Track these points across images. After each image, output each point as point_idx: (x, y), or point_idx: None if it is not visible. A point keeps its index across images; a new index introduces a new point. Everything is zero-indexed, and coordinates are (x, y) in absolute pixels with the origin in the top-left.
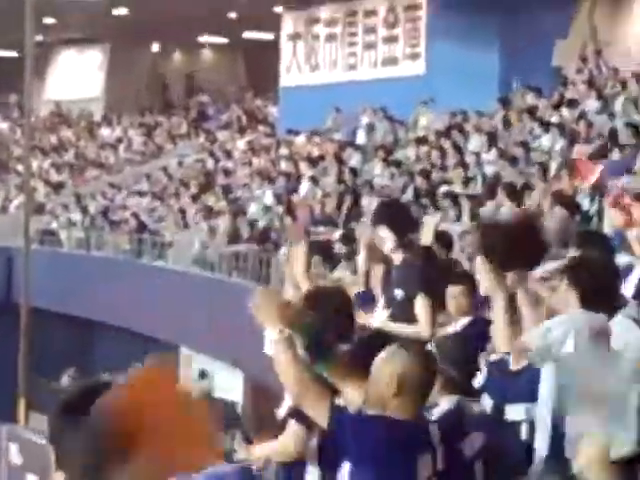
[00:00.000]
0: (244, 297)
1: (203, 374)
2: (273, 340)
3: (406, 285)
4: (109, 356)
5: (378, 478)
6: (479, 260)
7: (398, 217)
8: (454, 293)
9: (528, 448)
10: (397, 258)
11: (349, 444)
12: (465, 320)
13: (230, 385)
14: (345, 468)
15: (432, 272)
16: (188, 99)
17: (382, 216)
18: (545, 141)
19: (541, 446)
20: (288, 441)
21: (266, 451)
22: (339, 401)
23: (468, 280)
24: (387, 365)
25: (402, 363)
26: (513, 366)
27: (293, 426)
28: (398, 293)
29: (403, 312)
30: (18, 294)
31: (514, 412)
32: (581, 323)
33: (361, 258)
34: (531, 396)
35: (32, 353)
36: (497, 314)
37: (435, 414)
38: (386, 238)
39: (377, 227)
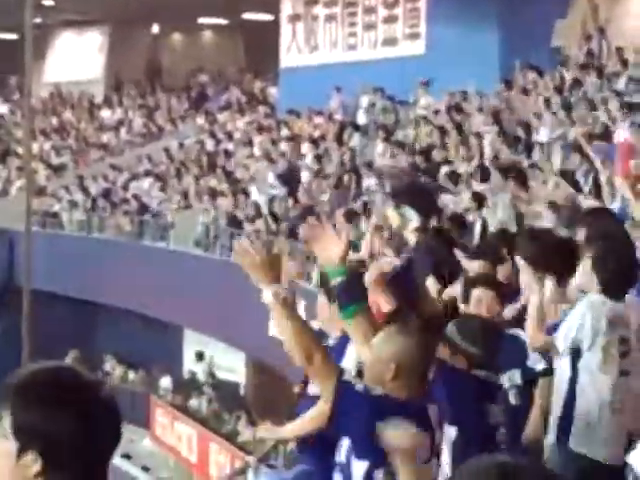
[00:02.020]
0: (246, 278)
1: (200, 355)
2: (268, 303)
3: (417, 268)
4: (112, 338)
5: (375, 456)
6: (519, 262)
7: (424, 200)
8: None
9: (516, 413)
10: (413, 239)
11: (349, 420)
12: None
13: (233, 366)
14: (344, 444)
15: (443, 255)
16: (188, 80)
17: (406, 195)
18: (547, 122)
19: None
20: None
21: (294, 429)
22: (346, 376)
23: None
24: (385, 347)
25: (401, 346)
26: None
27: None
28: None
29: None
30: (20, 277)
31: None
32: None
33: (367, 239)
34: (513, 363)
35: (35, 336)
36: (531, 308)
37: None
38: (411, 219)
39: (401, 206)
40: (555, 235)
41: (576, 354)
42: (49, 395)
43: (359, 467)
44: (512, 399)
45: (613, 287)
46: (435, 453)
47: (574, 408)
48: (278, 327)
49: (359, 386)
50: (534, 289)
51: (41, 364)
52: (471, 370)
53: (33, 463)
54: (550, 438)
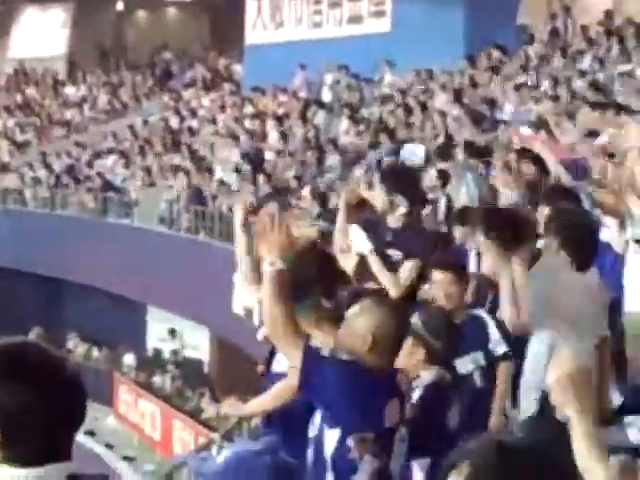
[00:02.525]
0: (211, 255)
1: (173, 332)
2: (264, 270)
3: (407, 248)
4: (75, 315)
5: (347, 422)
6: (484, 241)
7: (414, 187)
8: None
9: (482, 395)
10: (396, 221)
11: (320, 386)
12: None
13: (197, 343)
14: (317, 416)
15: (431, 242)
16: (152, 57)
17: (397, 183)
18: (511, 100)
19: (527, 407)
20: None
21: (260, 403)
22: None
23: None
24: (361, 319)
25: (377, 318)
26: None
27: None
28: (394, 254)
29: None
30: None
31: (463, 364)
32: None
33: (340, 216)
34: (476, 345)
35: None
36: (503, 291)
37: (417, 386)
38: (400, 204)
39: (392, 193)
40: (519, 211)
41: None
42: (12, 370)
43: (332, 436)
44: (477, 381)
45: (583, 261)
46: (404, 419)
47: None
48: (263, 296)
49: (325, 352)
50: (503, 273)
51: (6, 340)
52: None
53: None
54: (527, 411)
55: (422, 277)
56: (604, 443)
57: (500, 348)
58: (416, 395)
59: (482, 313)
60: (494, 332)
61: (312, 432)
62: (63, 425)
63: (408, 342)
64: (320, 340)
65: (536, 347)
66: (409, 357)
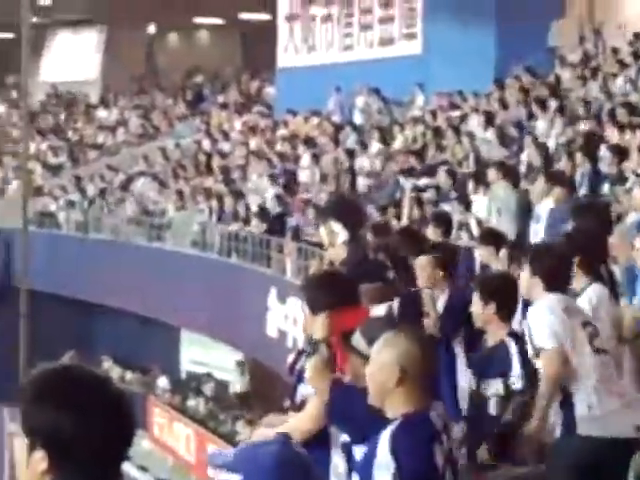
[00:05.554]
0: (243, 278)
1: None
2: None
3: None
4: (109, 338)
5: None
6: (530, 278)
7: (349, 212)
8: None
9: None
10: (343, 253)
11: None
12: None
13: (228, 366)
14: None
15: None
16: (184, 81)
17: (333, 211)
18: (542, 122)
19: None
20: (307, 414)
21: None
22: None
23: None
24: (387, 351)
25: (404, 347)
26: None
27: (315, 399)
28: None
29: None
30: (17, 277)
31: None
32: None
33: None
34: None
35: (32, 336)
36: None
37: None
38: (338, 232)
39: (328, 221)
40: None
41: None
42: (57, 393)
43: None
44: (492, 409)
45: (557, 285)
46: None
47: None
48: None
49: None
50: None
51: (50, 364)
52: None
53: (41, 461)
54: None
55: None
56: None
57: (518, 384)
58: None
59: (511, 343)
60: (516, 365)
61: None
62: (112, 447)
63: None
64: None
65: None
66: None
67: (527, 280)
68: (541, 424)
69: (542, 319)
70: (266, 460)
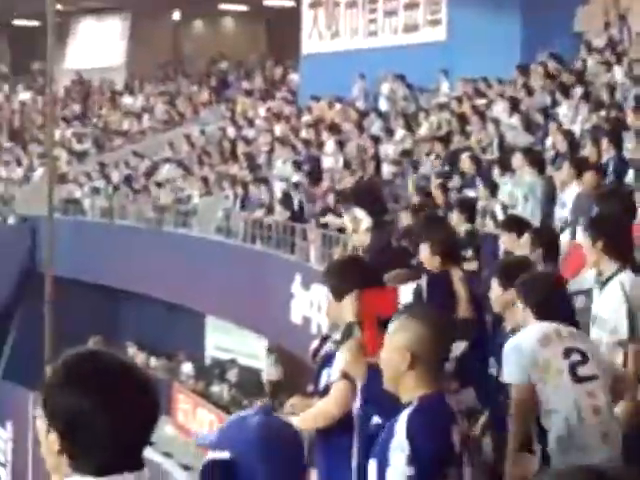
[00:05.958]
0: (267, 264)
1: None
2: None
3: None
4: (134, 324)
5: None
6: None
7: (373, 198)
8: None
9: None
10: (367, 240)
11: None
12: None
13: (254, 352)
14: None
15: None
16: (209, 68)
17: (357, 197)
18: (567, 108)
19: None
20: (331, 399)
21: (308, 421)
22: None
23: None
24: (398, 335)
25: (415, 332)
26: None
27: (340, 384)
28: None
29: None
30: (42, 263)
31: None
32: None
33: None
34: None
35: (57, 322)
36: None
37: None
38: (362, 219)
39: (351, 208)
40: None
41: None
42: (82, 380)
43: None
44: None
45: (548, 315)
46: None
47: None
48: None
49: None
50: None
51: (76, 349)
52: None
53: (55, 442)
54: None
55: None
56: None
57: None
58: None
59: None
60: None
61: (354, 462)
62: (135, 432)
63: None
64: None
65: None
66: None
67: (521, 311)
68: (512, 461)
69: (509, 354)
70: (250, 432)
